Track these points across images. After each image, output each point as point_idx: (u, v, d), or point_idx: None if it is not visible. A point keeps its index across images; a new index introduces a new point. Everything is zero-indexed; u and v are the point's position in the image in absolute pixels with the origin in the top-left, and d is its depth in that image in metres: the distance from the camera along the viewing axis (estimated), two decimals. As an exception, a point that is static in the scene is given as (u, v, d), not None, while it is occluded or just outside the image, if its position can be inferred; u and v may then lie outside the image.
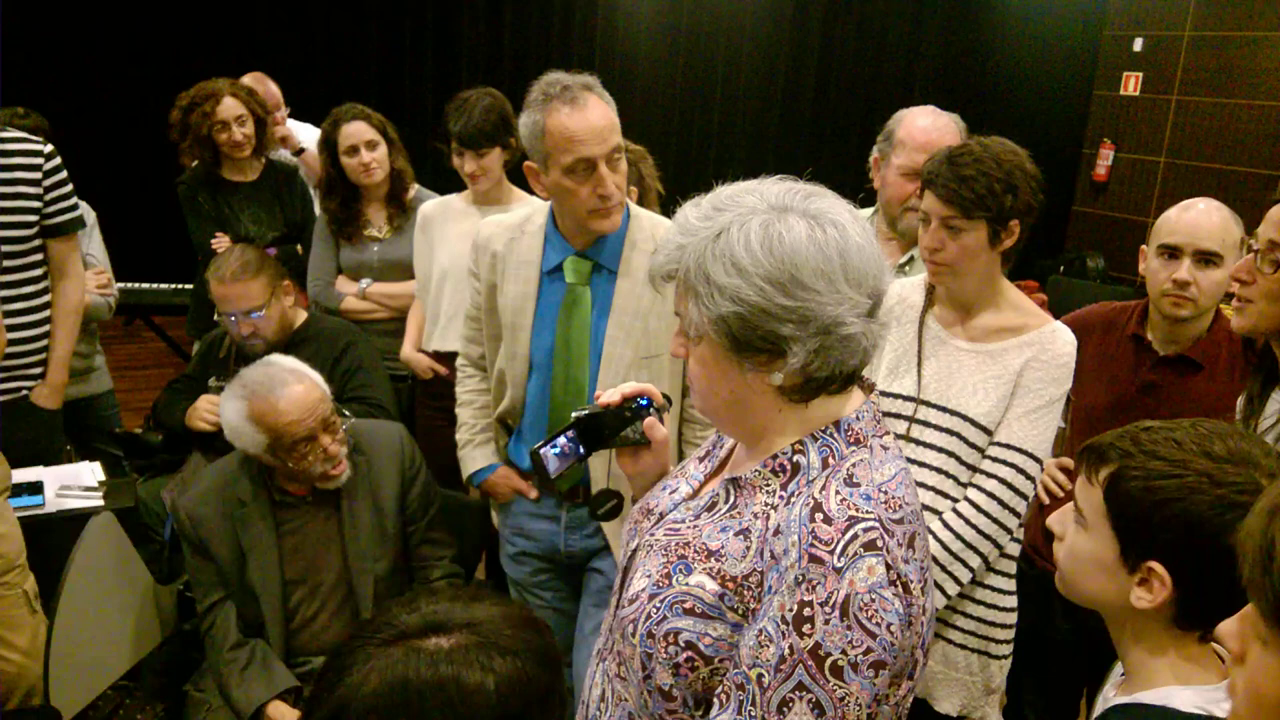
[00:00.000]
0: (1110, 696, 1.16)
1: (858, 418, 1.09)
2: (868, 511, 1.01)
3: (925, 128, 2.23)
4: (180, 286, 4.34)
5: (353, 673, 0.91)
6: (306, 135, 3.99)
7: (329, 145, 3.01)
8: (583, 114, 1.86)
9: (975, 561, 1.83)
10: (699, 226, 1.04)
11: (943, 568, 1.82)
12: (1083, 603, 1.14)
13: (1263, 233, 1.59)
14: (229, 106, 3.23)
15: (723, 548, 1.08)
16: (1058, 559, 1.15)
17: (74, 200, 2.67)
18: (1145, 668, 1.09)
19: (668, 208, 2.32)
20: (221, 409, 2.12)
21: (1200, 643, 1.08)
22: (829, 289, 1.00)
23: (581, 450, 1.32)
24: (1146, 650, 1.09)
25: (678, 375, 2.04)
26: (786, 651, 0.97)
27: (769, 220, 1.02)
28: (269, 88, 3.87)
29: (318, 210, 3.36)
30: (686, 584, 1.07)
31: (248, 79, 3.87)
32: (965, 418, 1.82)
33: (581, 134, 1.86)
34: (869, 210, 2.43)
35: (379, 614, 0.98)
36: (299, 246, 3.40)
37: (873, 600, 0.97)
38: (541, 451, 1.31)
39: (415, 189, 3.15)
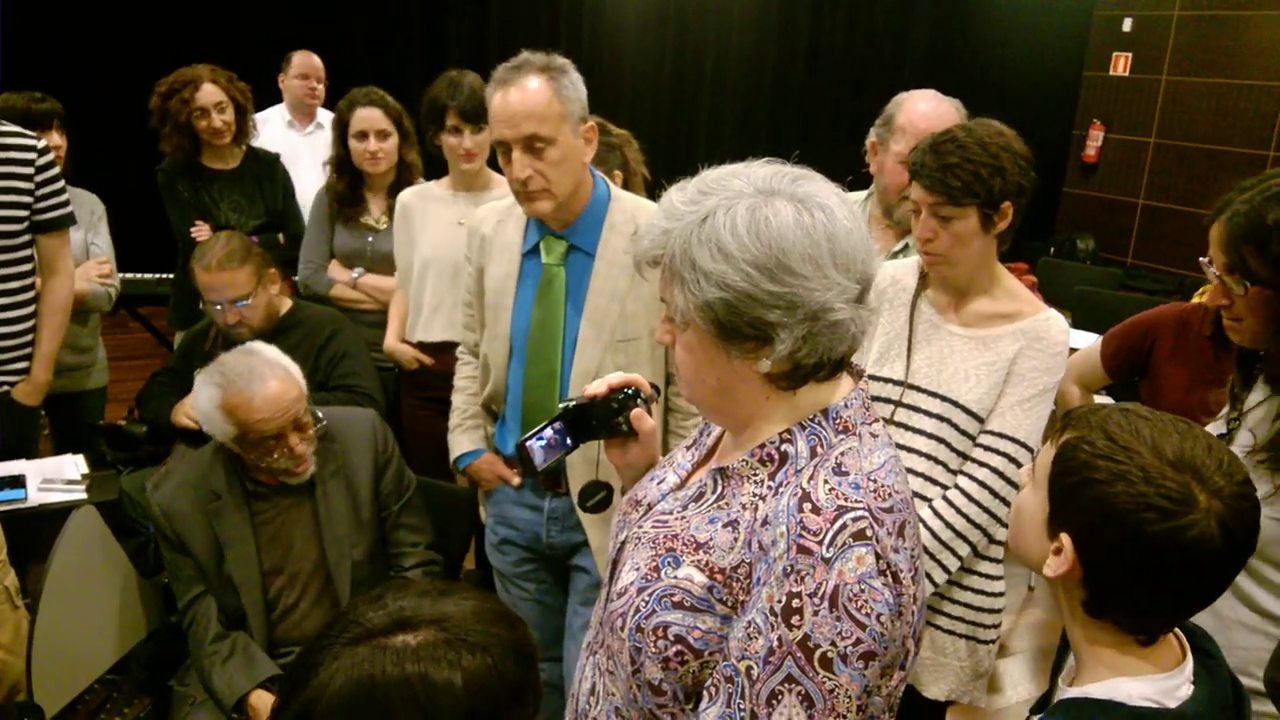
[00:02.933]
0: (1063, 687, 1.15)
1: (846, 405, 1.07)
2: (857, 501, 0.99)
3: (925, 113, 2.18)
4: (163, 276, 4.30)
5: (319, 673, 0.90)
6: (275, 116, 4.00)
7: (341, 125, 3.00)
8: (504, 95, 1.86)
9: (965, 550, 1.82)
10: (684, 211, 1.02)
11: (932, 556, 1.81)
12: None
13: (1215, 258, 1.58)
14: (209, 93, 3.19)
15: (711, 539, 1.06)
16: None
17: (65, 197, 2.65)
18: (1086, 655, 1.09)
19: (655, 193, 2.29)
20: (195, 393, 2.10)
21: (1139, 644, 1.07)
22: (817, 274, 0.98)
23: (569, 442, 1.31)
24: (1084, 637, 1.09)
25: (658, 361, 2.03)
26: (775, 643, 0.96)
27: (755, 204, 0.99)
28: (312, 61, 4.06)
29: (303, 198, 3.32)
30: (675, 577, 1.06)
31: (296, 56, 4.03)
32: (956, 404, 1.80)
33: (497, 114, 1.88)
34: (858, 194, 2.40)
35: (346, 612, 0.97)
36: (280, 235, 3.37)
37: (862, 591, 0.95)
38: (528, 444, 1.29)
39: (419, 184, 3.12)
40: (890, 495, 1.02)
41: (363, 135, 2.95)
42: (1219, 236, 1.55)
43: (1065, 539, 1.03)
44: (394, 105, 3.02)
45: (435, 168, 3.11)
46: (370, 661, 0.89)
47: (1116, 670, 1.06)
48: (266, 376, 2.05)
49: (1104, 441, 1.02)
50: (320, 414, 2.19)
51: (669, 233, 1.03)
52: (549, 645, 2.19)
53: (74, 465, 2.67)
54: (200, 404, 2.07)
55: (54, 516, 2.31)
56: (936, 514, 1.81)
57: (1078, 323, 4.53)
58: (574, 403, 1.31)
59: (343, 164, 3.03)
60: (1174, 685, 1.05)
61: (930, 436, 1.82)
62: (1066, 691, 1.11)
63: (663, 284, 1.07)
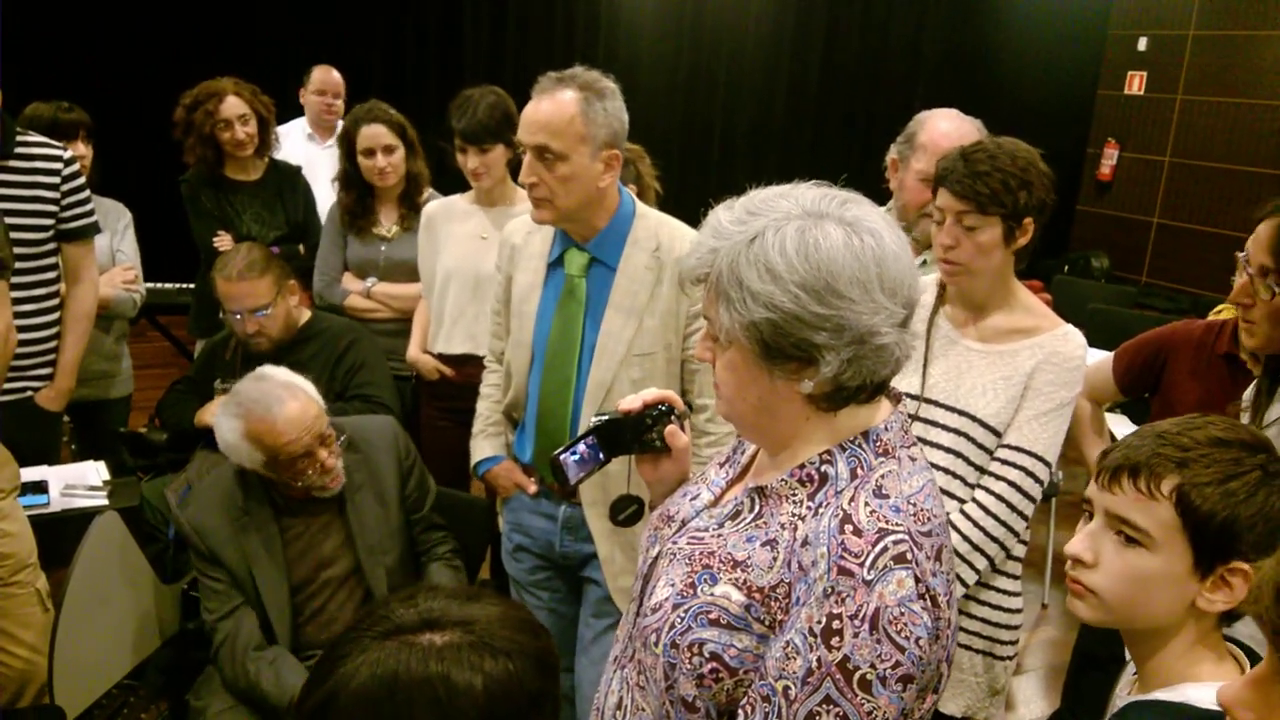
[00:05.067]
0: (1124, 696, 1.16)
1: (886, 428, 1.08)
2: (897, 524, 1.00)
3: (947, 132, 2.19)
4: (184, 286, 4.35)
5: (346, 663, 0.91)
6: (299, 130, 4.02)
7: (347, 142, 3.03)
8: (535, 101, 1.91)
9: (982, 564, 1.82)
10: (732, 230, 1.02)
11: (949, 569, 1.81)
12: (1132, 625, 1.11)
13: (1253, 256, 1.58)
14: (232, 105, 3.23)
15: (749, 558, 1.06)
16: (1093, 585, 1.10)
17: (91, 206, 2.68)
18: (1168, 667, 1.09)
19: (666, 206, 2.32)
20: (217, 425, 2.11)
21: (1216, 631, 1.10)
22: (865, 298, 0.99)
23: (602, 456, 1.31)
24: (1176, 651, 1.09)
25: (673, 377, 2.04)
26: (814, 664, 0.96)
27: (805, 226, 1.00)
28: (331, 77, 4.03)
29: (321, 210, 3.36)
30: (712, 594, 1.06)
31: (316, 72, 4.00)
32: (973, 418, 1.81)
33: (524, 118, 1.92)
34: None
35: (378, 607, 0.98)
36: (301, 247, 3.40)
37: (902, 614, 0.95)
38: (562, 458, 1.29)
39: (429, 192, 3.15)
40: (929, 519, 1.02)
41: (369, 152, 2.98)
42: (1267, 236, 1.55)
43: (1244, 565, 1.03)
44: (396, 118, 3.04)
45: (446, 177, 3.15)
46: (396, 658, 0.90)
47: (1186, 679, 1.07)
48: (284, 399, 2.07)
49: (1213, 467, 1.03)
50: (340, 425, 2.21)
51: (716, 251, 1.03)
52: (561, 655, 2.21)
53: (95, 471, 2.70)
54: (225, 437, 2.08)
55: (76, 522, 2.34)
56: (954, 527, 1.80)
57: (1091, 340, 4.48)
58: (607, 417, 1.31)
59: (350, 179, 3.06)
60: None
61: (947, 450, 1.83)
62: (1132, 697, 1.12)
63: (707, 302, 1.07)
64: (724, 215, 1.05)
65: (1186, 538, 1.04)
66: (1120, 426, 3.55)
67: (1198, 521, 1.03)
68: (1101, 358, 2.26)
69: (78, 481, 2.61)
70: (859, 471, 1.05)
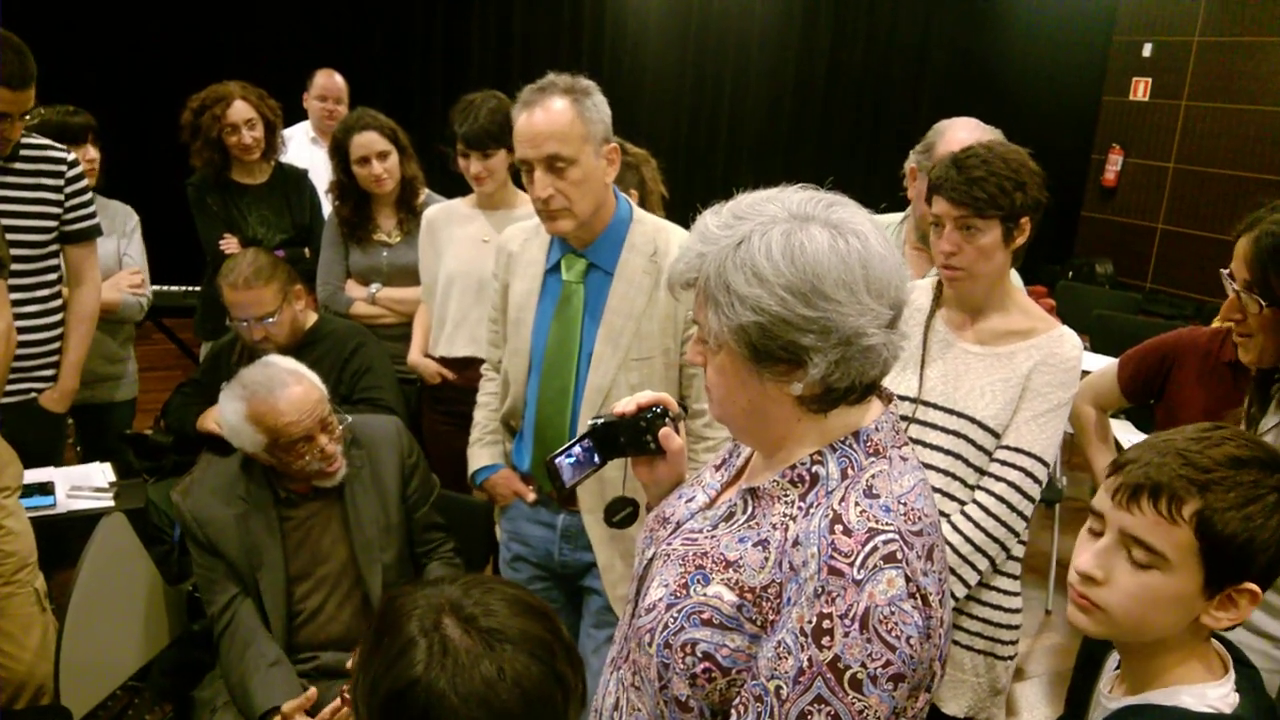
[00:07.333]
0: (1107, 694, 1.16)
1: (877, 428, 1.08)
2: (887, 523, 1.00)
3: (965, 142, 2.20)
4: (190, 289, 4.36)
5: (398, 600, 1.02)
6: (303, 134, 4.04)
7: (339, 152, 3.02)
8: (528, 115, 1.90)
9: (983, 565, 1.83)
10: (719, 235, 1.03)
11: (951, 570, 1.82)
12: (1135, 639, 1.12)
13: (1237, 272, 1.59)
14: (239, 109, 3.25)
15: (741, 558, 1.07)
16: (1102, 602, 1.10)
17: (93, 208, 2.70)
18: (1160, 671, 1.10)
19: (672, 211, 2.32)
20: (220, 409, 2.14)
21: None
22: (851, 300, 0.99)
23: (597, 459, 1.32)
24: (1171, 657, 1.10)
25: (671, 381, 2.05)
26: (805, 664, 0.97)
27: (790, 229, 1.01)
28: (333, 82, 3.99)
29: (327, 214, 3.37)
30: (704, 594, 1.07)
31: (319, 76, 3.97)
32: (972, 420, 1.82)
33: (522, 134, 1.91)
34: (891, 218, 2.41)
35: (472, 577, 1.04)
36: (307, 249, 3.41)
37: (892, 613, 0.96)
38: (557, 461, 1.30)
39: (425, 194, 3.16)
40: (920, 519, 1.03)
41: (364, 160, 2.97)
42: (1245, 251, 1.57)
43: (1253, 586, 1.05)
44: (387, 123, 3.03)
45: (446, 179, 3.15)
46: (420, 621, 0.97)
47: (1179, 680, 1.08)
48: (288, 383, 2.11)
49: (1235, 491, 1.03)
50: (346, 417, 2.23)
51: (704, 256, 1.04)
52: None
53: (101, 473, 2.71)
54: (228, 419, 2.11)
55: (81, 523, 2.35)
56: (955, 529, 1.82)
57: (1095, 347, 4.52)
58: (602, 420, 1.32)
59: (345, 189, 3.05)
60: (1224, 693, 1.07)
61: (947, 453, 1.84)
62: (1122, 700, 1.12)
63: (696, 306, 1.08)
64: (711, 220, 1.06)
65: (1201, 560, 1.04)
66: (1125, 433, 3.55)
67: (1216, 545, 1.03)
68: (1106, 364, 2.26)
69: (84, 483, 2.62)
70: (849, 471, 1.06)
